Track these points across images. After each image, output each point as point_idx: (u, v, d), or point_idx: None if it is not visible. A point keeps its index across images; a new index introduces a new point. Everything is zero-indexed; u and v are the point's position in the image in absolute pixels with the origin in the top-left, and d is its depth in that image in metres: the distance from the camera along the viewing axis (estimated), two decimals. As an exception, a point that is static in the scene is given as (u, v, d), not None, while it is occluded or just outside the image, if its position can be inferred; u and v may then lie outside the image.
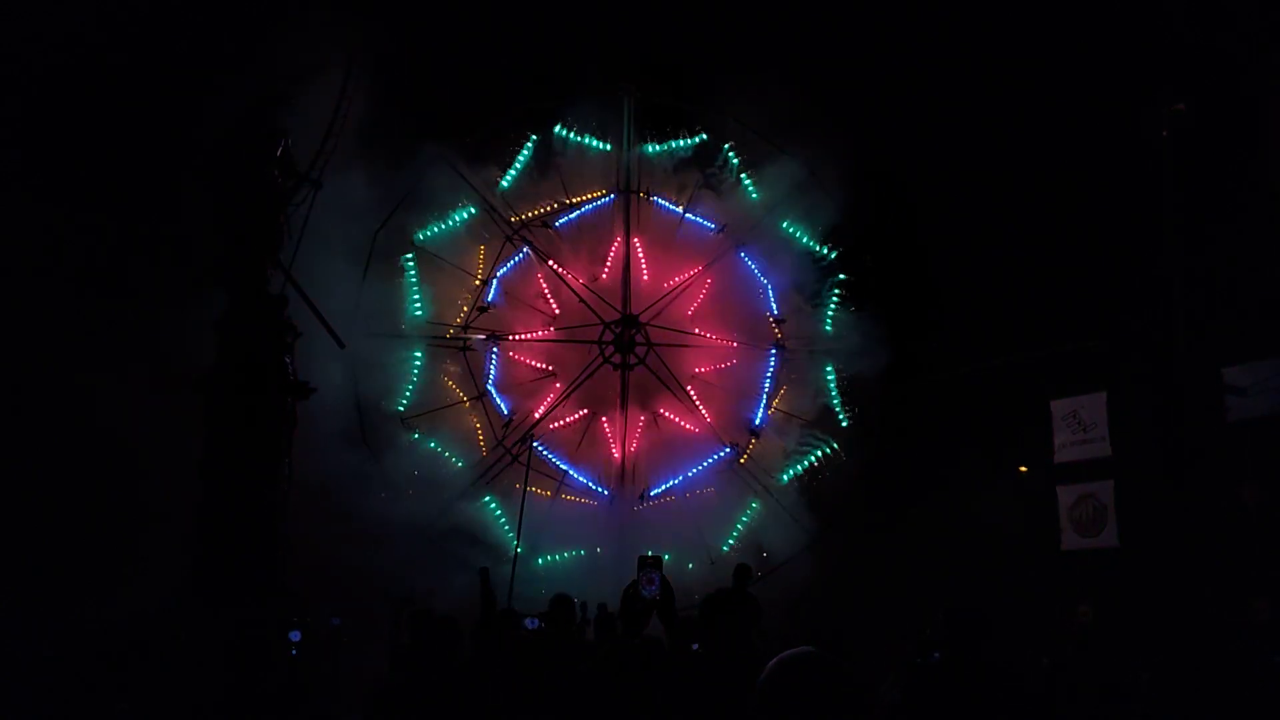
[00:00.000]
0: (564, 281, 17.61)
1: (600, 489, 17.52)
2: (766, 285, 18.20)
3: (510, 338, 17.59)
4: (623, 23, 17.25)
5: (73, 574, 13.37)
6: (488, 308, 17.50)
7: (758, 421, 17.94)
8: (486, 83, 17.28)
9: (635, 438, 17.63)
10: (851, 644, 7.62)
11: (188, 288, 14.31)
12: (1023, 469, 18.77)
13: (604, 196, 18.07)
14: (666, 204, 18.11)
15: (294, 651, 12.44)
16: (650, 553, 13.94)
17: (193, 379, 13.85)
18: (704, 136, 18.15)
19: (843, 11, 17.73)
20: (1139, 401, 16.46)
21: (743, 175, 18.15)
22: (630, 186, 17.81)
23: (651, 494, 17.34)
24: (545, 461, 17.16)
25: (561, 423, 17.66)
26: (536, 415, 17.48)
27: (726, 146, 18.10)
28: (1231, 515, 14.91)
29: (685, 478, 17.58)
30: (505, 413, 17.52)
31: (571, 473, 17.47)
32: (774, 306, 18.20)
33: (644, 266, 17.96)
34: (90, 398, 13.87)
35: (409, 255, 17.26)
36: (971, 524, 17.22)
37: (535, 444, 16.47)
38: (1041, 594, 15.58)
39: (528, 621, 10.09)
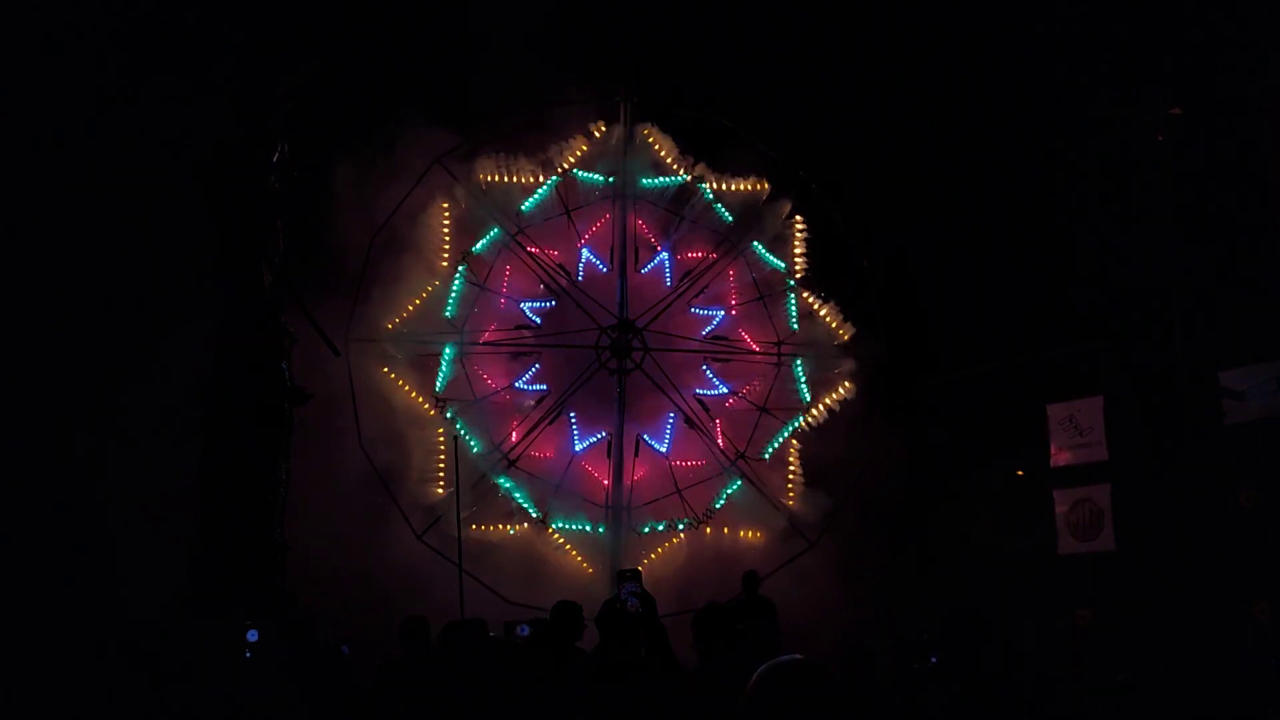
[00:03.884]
0: (564, 288, 17.59)
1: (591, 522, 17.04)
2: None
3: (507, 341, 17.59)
4: (621, 24, 17.25)
5: (73, 574, 13.34)
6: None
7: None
8: (484, 84, 17.26)
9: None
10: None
11: (187, 293, 14.29)
12: (1019, 473, 18.79)
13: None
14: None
15: (248, 654, 11.45)
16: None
17: (193, 385, 13.83)
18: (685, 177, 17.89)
19: (837, 10, 17.69)
20: (1136, 405, 16.50)
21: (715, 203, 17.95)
22: (627, 192, 17.78)
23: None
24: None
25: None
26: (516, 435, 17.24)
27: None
28: (1228, 519, 14.95)
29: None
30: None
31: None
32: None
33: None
34: (90, 399, 13.86)
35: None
36: (968, 528, 17.23)
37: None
38: (1038, 598, 15.61)
39: (519, 629, 9.99)
